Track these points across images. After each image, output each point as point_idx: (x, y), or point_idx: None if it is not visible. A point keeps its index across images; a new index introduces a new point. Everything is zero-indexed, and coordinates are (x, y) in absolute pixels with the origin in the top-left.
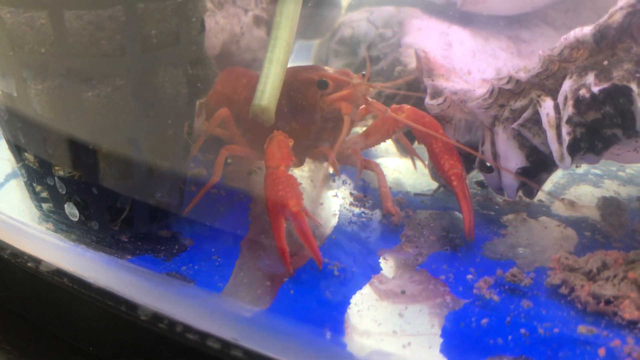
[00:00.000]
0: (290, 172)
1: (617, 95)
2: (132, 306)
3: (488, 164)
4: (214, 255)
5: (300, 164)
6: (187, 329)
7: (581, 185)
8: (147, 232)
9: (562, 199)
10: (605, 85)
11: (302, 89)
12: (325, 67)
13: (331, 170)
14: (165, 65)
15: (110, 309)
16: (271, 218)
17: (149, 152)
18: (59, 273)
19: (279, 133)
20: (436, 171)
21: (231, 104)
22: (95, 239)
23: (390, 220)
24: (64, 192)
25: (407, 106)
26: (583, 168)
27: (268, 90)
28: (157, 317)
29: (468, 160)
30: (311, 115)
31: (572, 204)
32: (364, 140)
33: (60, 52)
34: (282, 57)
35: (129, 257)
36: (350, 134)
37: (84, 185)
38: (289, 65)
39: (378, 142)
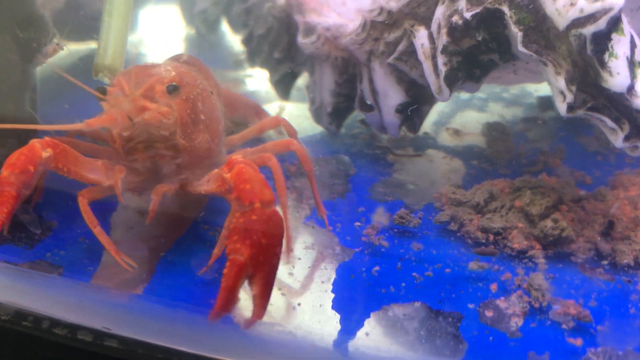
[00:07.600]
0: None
1: (490, 19)
2: None
3: (368, 102)
4: (80, 237)
5: (142, 188)
6: (55, 323)
7: (466, 112)
8: None
9: (447, 129)
10: (477, 9)
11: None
12: (181, 58)
13: None
14: None
15: None
16: None
17: None
18: None
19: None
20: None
21: None
22: None
23: None
24: None
25: (240, 164)
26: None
27: (111, 47)
28: (20, 315)
29: (348, 99)
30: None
31: (457, 132)
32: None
33: None
34: (122, 8)
35: None
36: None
37: None
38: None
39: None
